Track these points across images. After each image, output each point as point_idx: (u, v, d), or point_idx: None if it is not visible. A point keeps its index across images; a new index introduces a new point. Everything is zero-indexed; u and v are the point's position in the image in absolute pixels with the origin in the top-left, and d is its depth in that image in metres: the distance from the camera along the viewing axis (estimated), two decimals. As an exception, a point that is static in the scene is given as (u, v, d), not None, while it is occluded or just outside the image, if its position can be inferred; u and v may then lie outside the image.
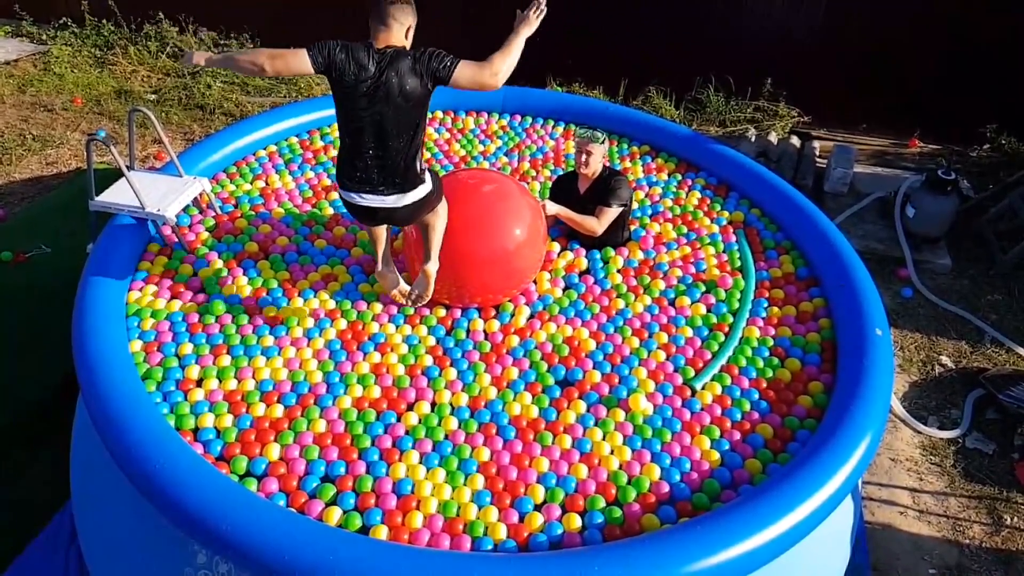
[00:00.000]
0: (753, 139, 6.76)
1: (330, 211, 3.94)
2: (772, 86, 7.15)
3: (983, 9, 6.45)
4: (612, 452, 2.76)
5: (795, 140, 6.86)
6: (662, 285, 3.52)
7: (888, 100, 7.06)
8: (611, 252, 3.66)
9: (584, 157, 3.54)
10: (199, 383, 2.92)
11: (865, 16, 6.78)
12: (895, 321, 5.13)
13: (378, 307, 3.31)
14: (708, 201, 4.13)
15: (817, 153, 6.81)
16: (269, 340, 3.12)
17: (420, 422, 2.83)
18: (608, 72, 7.48)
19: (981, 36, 6.54)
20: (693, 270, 3.63)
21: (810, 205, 3.90)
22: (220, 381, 2.92)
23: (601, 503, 2.57)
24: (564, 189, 3.76)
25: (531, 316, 3.34)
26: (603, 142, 3.55)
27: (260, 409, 2.83)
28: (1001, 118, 6.76)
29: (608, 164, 3.72)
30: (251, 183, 4.12)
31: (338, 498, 2.55)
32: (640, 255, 3.69)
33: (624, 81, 7.48)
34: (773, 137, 6.85)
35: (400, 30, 2.52)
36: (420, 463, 2.68)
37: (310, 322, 3.21)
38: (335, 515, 2.48)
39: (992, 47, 6.57)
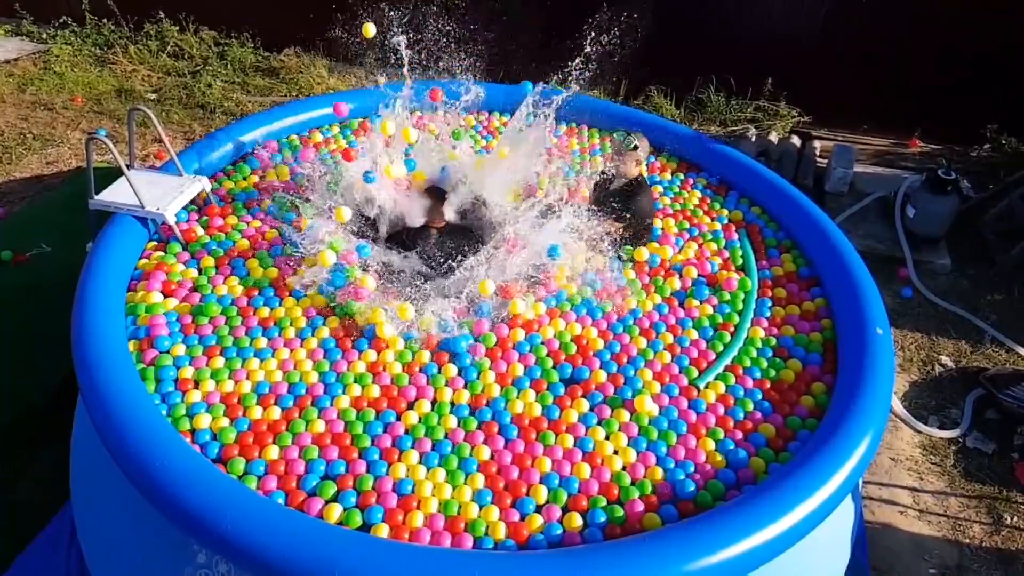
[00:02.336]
0: (753, 139, 6.76)
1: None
2: (773, 86, 7.15)
3: (983, 9, 6.45)
4: (616, 452, 2.76)
5: (796, 140, 6.86)
6: (677, 284, 3.52)
7: (888, 100, 7.06)
8: (631, 251, 3.66)
9: (616, 161, 3.66)
10: (196, 385, 2.91)
11: (866, 16, 6.78)
12: (895, 321, 5.13)
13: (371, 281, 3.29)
14: (709, 200, 4.14)
15: (818, 153, 6.81)
16: (263, 342, 3.10)
17: (420, 421, 2.83)
18: (608, 72, 7.48)
19: (981, 36, 6.54)
20: (709, 269, 3.63)
21: (811, 205, 3.91)
22: (216, 383, 2.91)
23: (603, 504, 2.57)
24: (601, 183, 3.85)
25: (545, 310, 3.33)
26: (634, 148, 3.61)
27: (257, 412, 2.82)
28: (1001, 118, 6.76)
29: (632, 173, 3.73)
30: (246, 178, 4.10)
31: (339, 496, 2.54)
32: (669, 253, 3.69)
33: (624, 81, 7.48)
34: (774, 137, 6.85)
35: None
36: (420, 463, 2.67)
37: (303, 322, 3.20)
38: (335, 513, 2.48)
39: (993, 47, 6.57)
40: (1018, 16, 6.41)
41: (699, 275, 3.60)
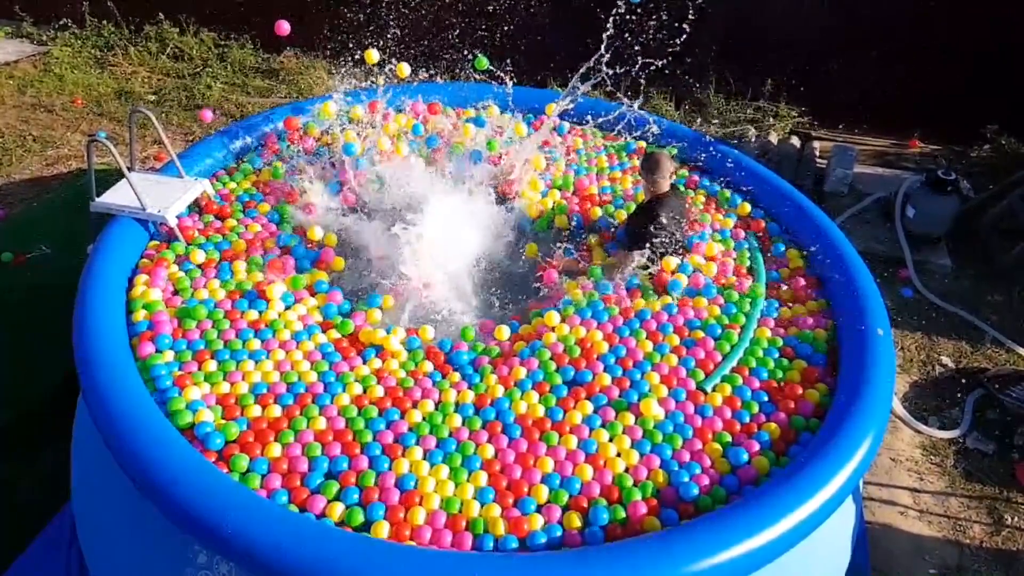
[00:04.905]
0: (753, 140, 6.76)
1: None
2: (772, 86, 7.15)
3: (984, 10, 6.46)
4: (619, 455, 2.75)
5: (795, 140, 6.86)
6: (684, 280, 3.48)
7: (888, 100, 7.06)
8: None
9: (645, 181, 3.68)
10: (195, 385, 2.88)
11: (866, 16, 6.79)
12: (895, 321, 5.13)
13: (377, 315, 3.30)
14: (715, 199, 4.14)
15: (817, 153, 6.82)
16: (256, 344, 3.08)
17: (424, 419, 2.83)
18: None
19: (982, 36, 6.55)
20: (725, 270, 3.59)
21: (812, 206, 3.91)
22: (211, 385, 2.88)
23: (605, 505, 2.56)
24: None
25: (561, 320, 3.30)
26: (651, 164, 3.59)
27: (256, 411, 2.81)
28: (1001, 118, 6.76)
29: (658, 190, 3.67)
30: (247, 176, 4.08)
31: (341, 494, 2.54)
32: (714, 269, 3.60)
33: (625, 82, 7.47)
34: (773, 137, 6.85)
35: None
36: (424, 459, 2.67)
37: (299, 326, 3.20)
38: (337, 511, 2.47)
39: (993, 47, 6.57)
40: (1018, 16, 6.42)
41: (711, 277, 3.56)
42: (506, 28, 7.22)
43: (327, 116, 4.08)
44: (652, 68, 4.15)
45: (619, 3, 4.03)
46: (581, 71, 4.20)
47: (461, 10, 7.48)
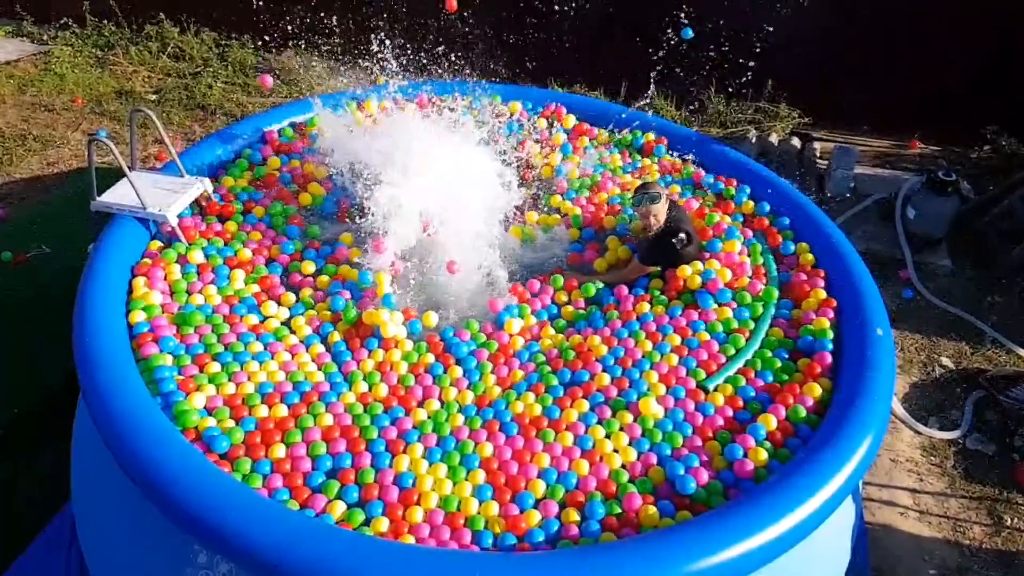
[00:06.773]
0: (754, 140, 6.76)
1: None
2: (773, 87, 7.14)
3: (984, 10, 6.46)
4: (616, 451, 2.76)
5: (796, 141, 6.86)
6: (697, 281, 3.45)
7: (888, 101, 7.06)
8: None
9: (651, 219, 3.56)
10: (199, 390, 2.88)
11: (866, 17, 6.79)
12: (896, 322, 5.13)
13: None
14: (723, 199, 4.13)
15: (818, 154, 6.82)
16: (259, 347, 3.09)
17: (428, 418, 2.84)
18: (609, 72, 7.48)
19: (982, 37, 6.54)
20: (742, 273, 3.55)
21: (812, 206, 3.91)
22: (217, 388, 2.88)
23: (601, 499, 2.58)
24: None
25: (556, 331, 3.31)
26: (641, 203, 3.53)
27: (263, 410, 2.81)
28: (1001, 119, 6.76)
29: (663, 217, 3.58)
30: (243, 173, 4.07)
31: (341, 492, 2.55)
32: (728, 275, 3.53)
33: (625, 82, 7.48)
34: (774, 138, 6.85)
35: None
36: (423, 457, 2.68)
37: (307, 330, 3.20)
38: (337, 510, 2.48)
39: (992, 47, 6.57)
40: (1018, 16, 6.42)
41: (726, 280, 3.50)
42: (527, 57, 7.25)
43: (316, 129, 4.12)
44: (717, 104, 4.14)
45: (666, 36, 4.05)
46: (642, 102, 4.31)
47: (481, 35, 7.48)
